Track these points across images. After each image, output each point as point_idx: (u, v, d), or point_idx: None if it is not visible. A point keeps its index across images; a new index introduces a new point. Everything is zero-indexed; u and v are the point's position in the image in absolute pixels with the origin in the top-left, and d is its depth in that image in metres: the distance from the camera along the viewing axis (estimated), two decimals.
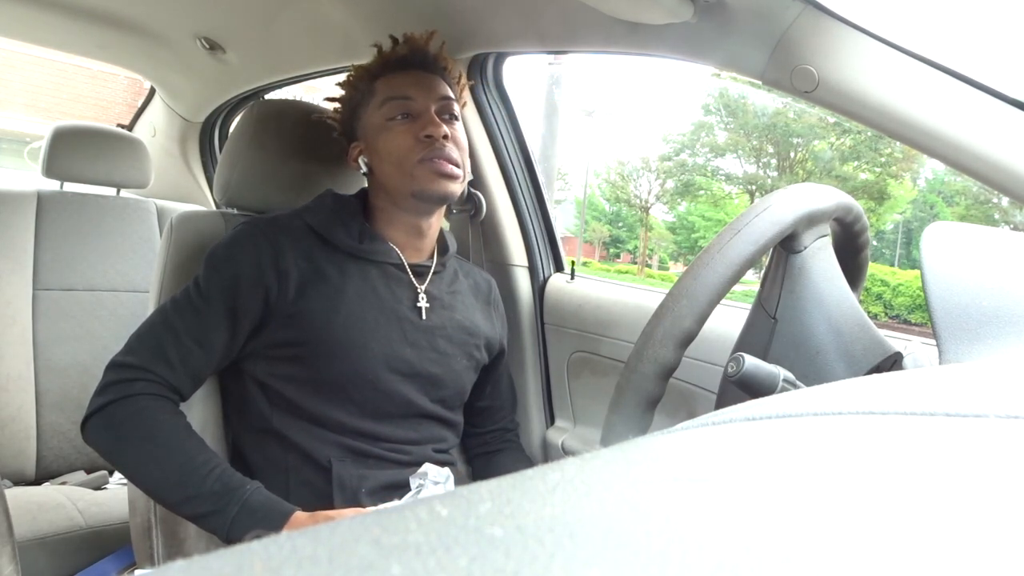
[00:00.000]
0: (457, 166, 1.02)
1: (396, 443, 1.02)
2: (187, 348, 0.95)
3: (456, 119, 1.06)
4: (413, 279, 1.06)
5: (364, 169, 1.07)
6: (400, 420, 1.02)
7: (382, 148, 1.03)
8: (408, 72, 1.05)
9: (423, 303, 1.05)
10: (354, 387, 0.99)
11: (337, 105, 1.11)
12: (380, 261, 1.04)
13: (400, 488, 0.99)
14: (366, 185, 1.12)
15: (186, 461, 0.88)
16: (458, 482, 1.01)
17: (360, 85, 1.07)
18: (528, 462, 1.22)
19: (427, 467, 0.97)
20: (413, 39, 1.06)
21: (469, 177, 1.39)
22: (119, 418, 0.91)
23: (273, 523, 0.87)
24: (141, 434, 0.90)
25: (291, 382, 1.00)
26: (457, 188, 1.03)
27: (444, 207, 1.08)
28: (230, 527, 0.87)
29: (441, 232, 1.13)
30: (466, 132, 1.39)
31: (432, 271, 1.08)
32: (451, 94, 1.07)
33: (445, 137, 1.01)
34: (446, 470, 0.98)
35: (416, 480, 0.97)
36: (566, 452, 1.37)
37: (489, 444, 1.21)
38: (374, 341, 0.99)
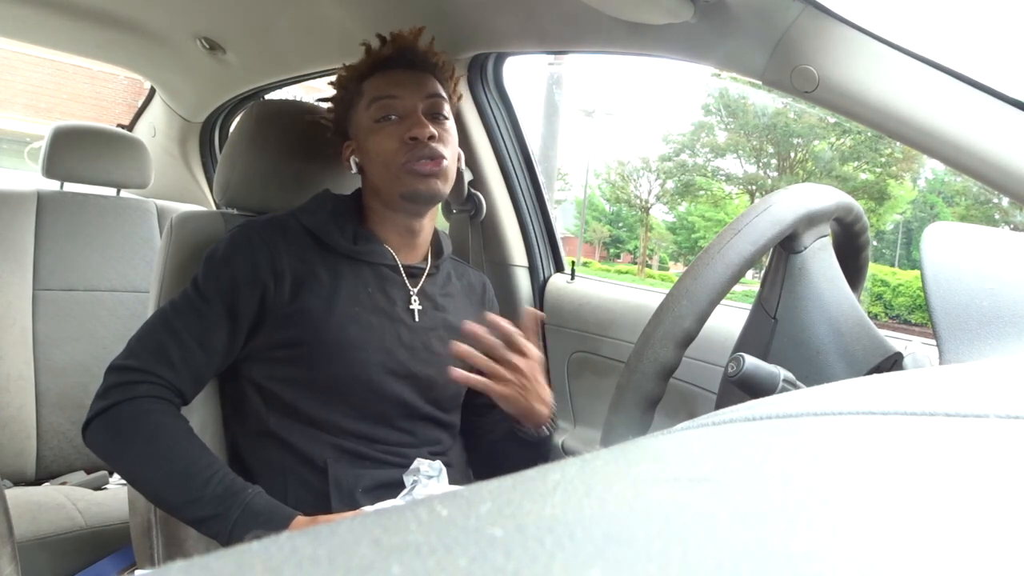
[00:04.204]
0: (443, 160, 1.01)
1: (391, 445, 1.02)
2: (189, 349, 0.95)
3: (446, 118, 1.05)
4: (406, 280, 1.06)
5: (355, 169, 1.07)
6: (395, 421, 1.02)
7: (371, 150, 1.03)
8: (395, 71, 1.04)
9: (415, 305, 1.06)
10: (349, 388, 0.99)
11: (330, 104, 1.12)
12: (374, 262, 1.04)
13: (396, 487, 0.99)
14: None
15: (189, 464, 0.88)
16: (456, 483, 1.01)
17: (349, 85, 1.07)
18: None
19: (418, 462, 0.97)
20: (400, 37, 1.05)
21: (469, 177, 1.39)
22: (122, 421, 0.91)
23: (274, 527, 0.87)
24: (144, 437, 0.90)
25: (287, 384, 1.00)
26: (443, 187, 1.02)
27: (435, 207, 1.08)
28: (231, 531, 0.86)
29: (437, 234, 1.14)
30: (466, 132, 1.39)
31: (426, 273, 1.08)
32: (441, 92, 1.06)
33: (432, 138, 1.00)
34: (437, 463, 0.98)
35: (410, 477, 0.97)
36: (566, 452, 1.37)
37: (494, 435, 1.20)
38: (368, 342, 1.00)
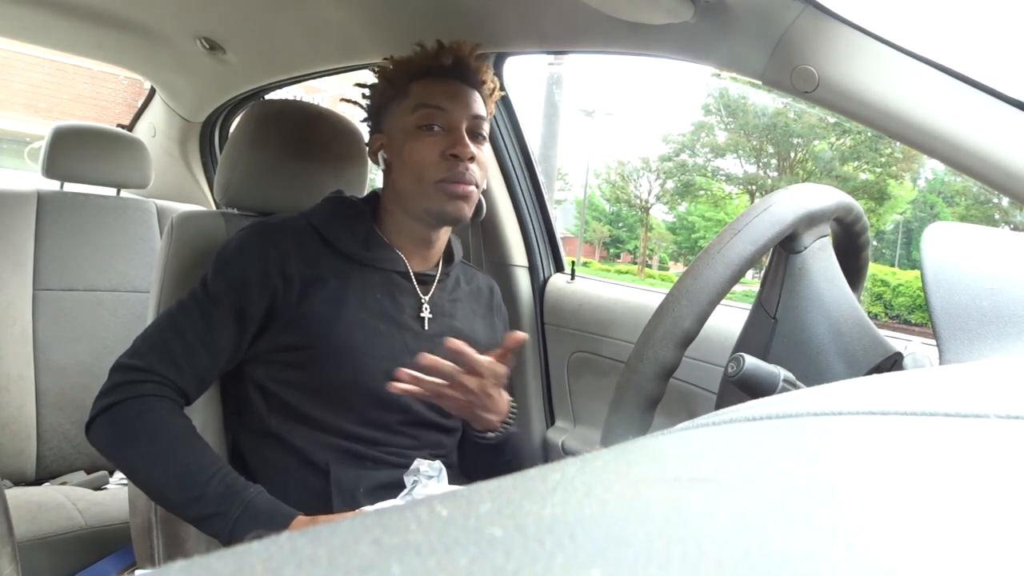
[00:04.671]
0: (476, 187, 1.01)
1: (394, 447, 1.02)
2: (194, 350, 0.95)
3: (485, 139, 1.04)
4: (417, 288, 1.06)
5: (383, 165, 1.06)
6: (399, 427, 1.02)
7: (406, 155, 1.01)
8: (446, 81, 1.02)
9: (426, 313, 1.05)
10: (353, 394, 0.99)
11: (367, 91, 1.10)
12: (385, 268, 1.03)
13: (399, 488, 0.99)
14: (376, 186, 1.11)
15: (191, 463, 0.88)
16: (454, 483, 1.01)
17: (395, 81, 1.05)
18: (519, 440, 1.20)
19: (418, 462, 0.97)
20: (458, 48, 1.03)
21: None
22: (125, 419, 0.91)
23: (275, 526, 0.87)
24: (147, 435, 0.90)
25: (290, 387, 1.00)
26: (469, 211, 1.01)
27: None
28: (232, 530, 0.86)
29: (448, 239, 1.13)
30: None
31: (436, 280, 1.08)
32: (483, 112, 1.05)
33: (471, 159, 0.99)
34: (437, 463, 0.98)
35: (410, 477, 0.97)
36: (566, 452, 1.37)
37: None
38: (375, 349, 0.99)
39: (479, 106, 1.04)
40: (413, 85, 1.03)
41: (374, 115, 1.09)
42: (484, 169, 1.03)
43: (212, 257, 1.01)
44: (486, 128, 1.05)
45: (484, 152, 1.04)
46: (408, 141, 1.01)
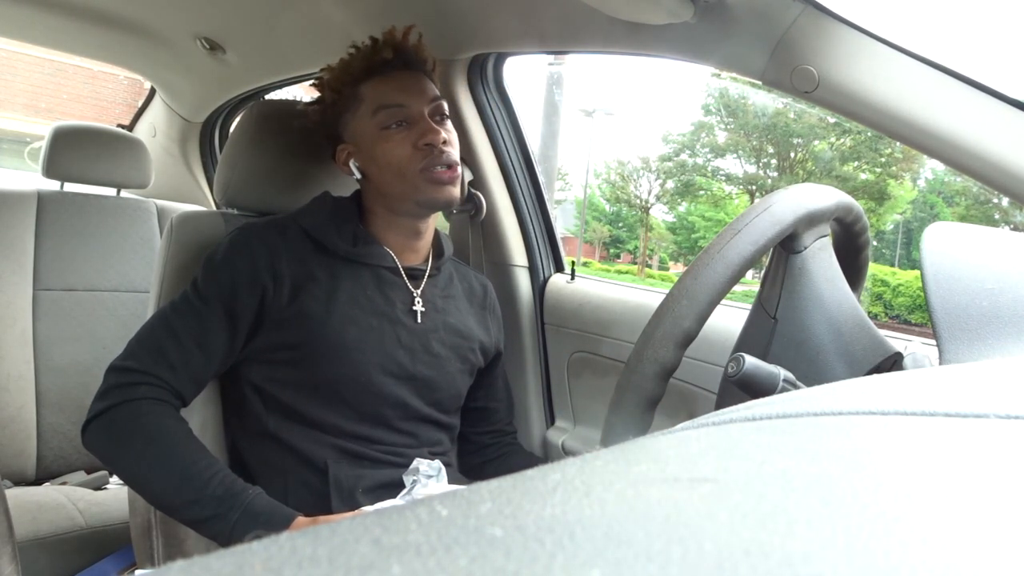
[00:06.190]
0: (458, 166, 1.02)
1: (392, 446, 1.02)
2: (188, 351, 0.95)
3: (447, 118, 1.06)
4: (408, 282, 1.06)
5: (357, 174, 1.06)
6: (395, 423, 1.02)
7: (380, 157, 1.02)
8: (394, 76, 1.03)
9: (418, 306, 1.05)
10: (348, 390, 0.99)
11: (316, 107, 1.09)
12: (373, 264, 1.04)
13: (397, 487, 0.99)
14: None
15: (188, 465, 0.88)
16: (454, 482, 1.01)
17: (343, 89, 1.04)
18: (537, 460, 1.21)
19: (417, 462, 0.97)
20: (395, 40, 1.04)
21: (469, 177, 1.40)
22: (121, 422, 0.91)
23: (274, 528, 0.87)
24: (143, 438, 0.90)
25: (286, 386, 1.00)
26: (458, 192, 1.03)
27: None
28: (231, 532, 0.86)
29: (437, 234, 1.13)
30: (466, 132, 1.40)
31: (427, 274, 1.08)
32: (437, 92, 1.06)
33: (444, 143, 1.00)
34: (437, 462, 0.98)
35: (409, 477, 0.97)
36: (566, 452, 1.37)
37: (488, 451, 1.20)
38: (366, 344, 1.00)
39: (432, 88, 1.05)
40: (362, 88, 1.03)
41: (330, 127, 1.08)
42: (456, 147, 1.05)
43: (203, 259, 1.01)
44: (446, 106, 1.06)
45: (452, 131, 1.05)
46: (378, 144, 1.02)
